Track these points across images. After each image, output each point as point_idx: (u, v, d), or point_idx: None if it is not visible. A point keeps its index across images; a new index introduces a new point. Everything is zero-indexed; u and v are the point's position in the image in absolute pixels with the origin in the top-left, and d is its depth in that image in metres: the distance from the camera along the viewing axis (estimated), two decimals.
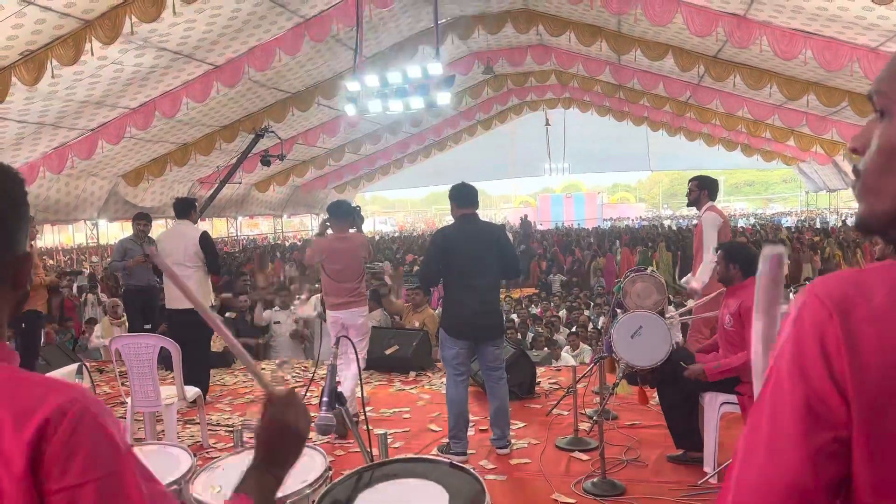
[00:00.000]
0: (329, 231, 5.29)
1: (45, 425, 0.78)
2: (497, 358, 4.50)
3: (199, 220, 6.10)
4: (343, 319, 5.14)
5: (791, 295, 4.93)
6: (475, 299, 4.33)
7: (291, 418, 1.13)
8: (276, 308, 8.11)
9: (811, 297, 0.69)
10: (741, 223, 27.87)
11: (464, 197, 4.47)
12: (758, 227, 22.54)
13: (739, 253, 3.96)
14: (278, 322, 7.92)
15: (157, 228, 10.54)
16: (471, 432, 4.65)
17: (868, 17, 8.02)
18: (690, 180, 5.52)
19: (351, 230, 5.33)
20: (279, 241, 26.04)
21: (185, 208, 6.01)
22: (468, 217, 4.46)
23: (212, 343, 7.36)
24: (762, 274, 0.77)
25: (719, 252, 4.06)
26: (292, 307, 8.17)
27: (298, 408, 1.14)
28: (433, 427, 5.10)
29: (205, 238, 5.82)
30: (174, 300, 5.77)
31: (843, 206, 28.89)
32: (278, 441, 1.12)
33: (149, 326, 6.94)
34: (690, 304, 5.63)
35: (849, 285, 0.68)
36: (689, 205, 5.62)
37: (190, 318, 5.71)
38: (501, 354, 4.59)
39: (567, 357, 7.77)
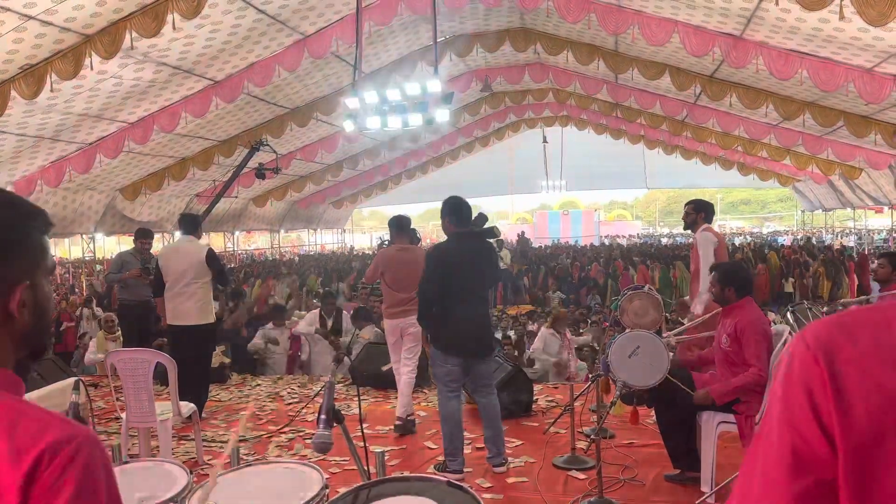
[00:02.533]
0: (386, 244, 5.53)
1: (39, 460, 0.79)
2: (488, 374, 4.51)
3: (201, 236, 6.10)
4: (401, 326, 5.37)
5: (789, 315, 4.93)
6: (470, 317, 4.33)
7: None
8: (270, 326, 8.08)
9: (799, 341, 0.71)
10: (737, 241, 27.94)
11: (460, 215, 4.46)
12: (744, 247, 22.16)
13: (733, 275, 3.97)
14: (273, 339, 7.89)
15: (155, 243, 10.51)
16: (467, 450, 4.62)
17: (863, 38, 8.09)
18: (687, 204, 5.57)
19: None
20: (277, 257, 25.99)
21: (192, 224, 6.01)
22: (464, 234, 4.45)
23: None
24: None
25: (713, 274, 4.07)
26: (287, 324, 8.15)
27: None
28: (430, 445, 5.07)
29: (211, 255, 5.85)
30: (178, 316, 5.74)
31: (838, 224, 28.99)
32: None
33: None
34: (686, 321, 5.63)
35: (836, 328, 0.70)
36: (685, 228, 5.66)
37: (193, 334, 5.69)
38: (492, 370, 4.61)
39: None
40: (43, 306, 0.96)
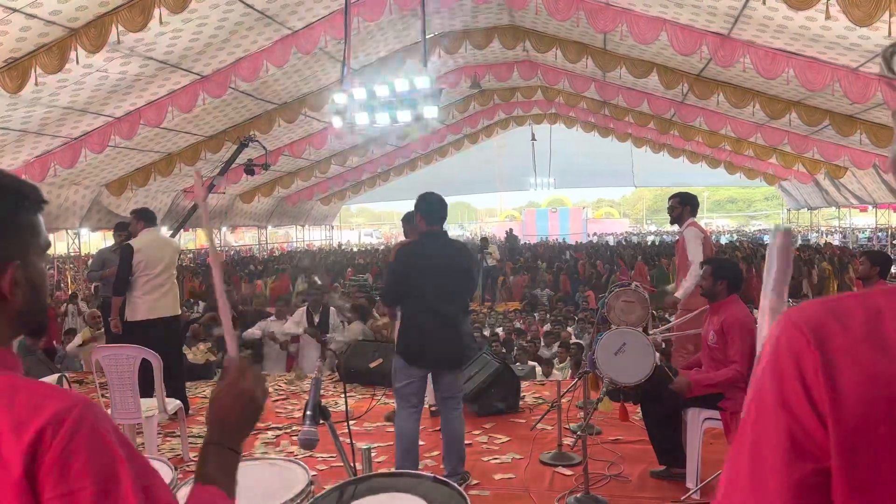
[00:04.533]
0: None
1: (42, 433, 0.80)
2: (453, 386, 4.17)
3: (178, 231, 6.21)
4: None
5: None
6: (439, 326, 3.99)
7: (248, 385, 1.12)
8: (272, 318, 8.09)
9: (788, 324, 0.68)
10: (724, 239, 28.10)
11: (433, 212, 4.10)
12: (743, 245, 22.09)
13: (728, 269, 4.00)
14: (272, 332, 7.89)
15: None
16: None
17: (849, 37, 8.14)
18: (671, 197, 5.60)
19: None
20: (268, 254, 25.87)
21: (153, 217, 5.99)
22: (435, 234, 4.13)
23: (194, 355, 7.30)
24: (772, 251, 0.74)
25: (706, 267, 4.08)
26: (288, 318, 8.12)
27: (256, 375, 1.15)
28: None
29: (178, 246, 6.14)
30: (156, 310, 5.66)
31: (823, 223, 29.22)
32: (236, 409, 1.11)
33: None
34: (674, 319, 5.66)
35: (826, 313, 0.67)
36: (672, 222, 5.69)
37: (168, 326, 5.64)
38: (459, 382, 4.32)
39: (555, 372, 7.77)
40: (37, 285, 0.96)
